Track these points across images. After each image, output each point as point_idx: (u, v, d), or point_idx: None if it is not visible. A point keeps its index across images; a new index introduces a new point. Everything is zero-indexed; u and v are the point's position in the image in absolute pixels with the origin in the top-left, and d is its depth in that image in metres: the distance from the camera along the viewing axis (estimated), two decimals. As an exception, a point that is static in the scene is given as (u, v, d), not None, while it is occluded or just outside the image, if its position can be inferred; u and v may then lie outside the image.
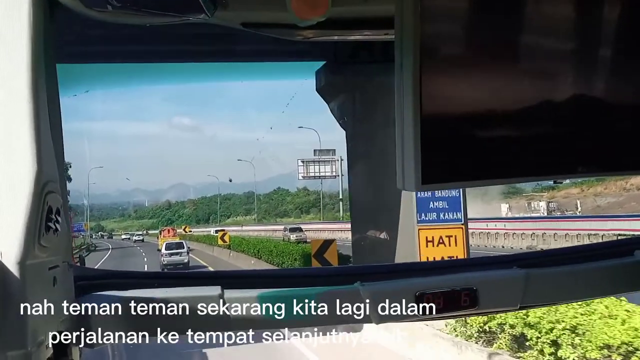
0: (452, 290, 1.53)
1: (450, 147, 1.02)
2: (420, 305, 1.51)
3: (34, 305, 1.05)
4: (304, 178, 66.62)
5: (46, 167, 1.07)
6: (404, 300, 1.51)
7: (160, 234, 57.68)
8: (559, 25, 1.09)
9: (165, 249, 35.13)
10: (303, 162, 64.42)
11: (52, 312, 1.16)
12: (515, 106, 1.06)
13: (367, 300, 1.50)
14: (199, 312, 1.44)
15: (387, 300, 1.52)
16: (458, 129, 1.02)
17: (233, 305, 1.46)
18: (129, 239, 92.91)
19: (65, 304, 1.27)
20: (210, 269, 34.03)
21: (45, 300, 1.11)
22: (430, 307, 1.51)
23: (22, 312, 1.02)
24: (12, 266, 0.99)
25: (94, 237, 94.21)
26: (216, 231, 63.77)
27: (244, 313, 1.47)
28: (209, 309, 1.44)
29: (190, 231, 70.13)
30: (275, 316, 1.48)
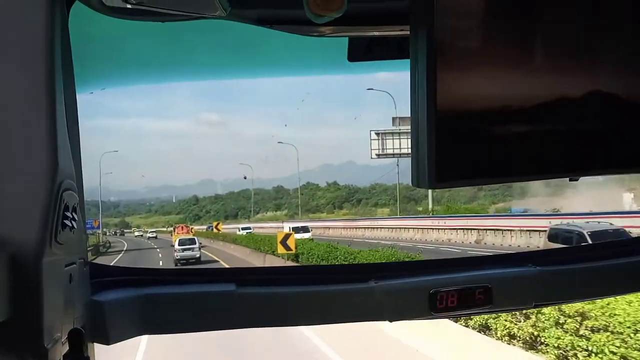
0: (466, 288, 1.55)
1: (466, 145, 1.02)
2: (434, 304, 1.54)
3: (50, 302, 1.11)
4: (379, 156, 52.42)
5: (62, 165, 1.12)
6: (417, 298, 1.55)
7: (174, 230, 62.24)
8: (576, 18, 1.08)
9: (179, 245, 38.87)
10: (378, 134, 50.46)
11: (68, 309, 1.23)
12: (533, 102, 1.05)
13: (381, 298, 1.54)
14: (213, 308, 1.50)
15: (400, 298, 1.56)
16: (474, 125, 1.02)
17: (248, 302, 1.52)
18: (141, 236, 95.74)
19: (81, 301, 1.34)
20: (223, 263, 36.23)
21: (61, 297, 1.18)
22: (444, 305, 1.54)
23: (38, 309, 1.07)
24: (29, 263, 1.04)
25: (107, 234, 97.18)
26: (244, 229, 63.62)
27: (259, 310, 1.53)
28: (224, 305, 1.51)
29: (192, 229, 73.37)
30: (291, 313, 1.54)
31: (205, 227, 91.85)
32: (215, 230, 67.46)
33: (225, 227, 76.98)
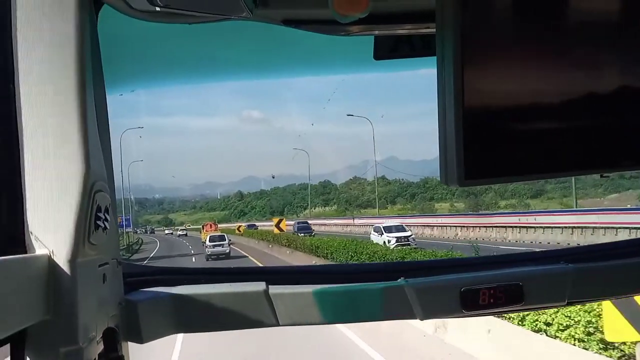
0: (498, 286, 1.61)
1: (494, 142, 1.05)
2: (465, 301, 1.60)
3: (85, 302, 1.20)
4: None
5: (94, 166, 1.21)
6: (448, 296, 1.61)
7: (203, 228, 66.00)
8: (604, 13, 1.09)
9: (209, 241, 43.61)
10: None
11: (103, 308, 1.33)
12: (561, 98, 1.07)
13: (412, 296, 1.60)
14: (244, 307, 1.59)
15: (431, 296, 1.62)
16: (502, 122, 1.05)
17: (278, 301, 1.60)
18: (171, 233, 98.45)
19: (114, 300, 1.45)
20: (252, 259, 37.18)
21: (95, 297, 1.28)
22: (476, 303, 1.60)
23: (73, 309, 1.16)
24: (63, 264, 1.14)
25: (138, 231, 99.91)
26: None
27: (290, 309, 1.61)
28: (255, 304, 1.59)
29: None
30: (321, 312, 1.61)
31: (246, 224, 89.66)
32: (237, 231, 64.94)
33: (266, 225, 73.40)
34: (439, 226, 54.22)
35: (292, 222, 70.61)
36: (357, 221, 71.00)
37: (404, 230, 41.64)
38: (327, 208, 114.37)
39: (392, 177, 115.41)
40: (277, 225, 48.87)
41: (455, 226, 51.18)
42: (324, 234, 52.63)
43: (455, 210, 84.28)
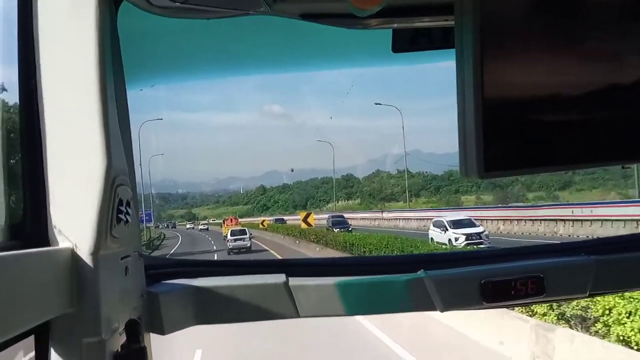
0: (518, 278, 1.62)
1: (513, 134, 1.06)
2: (486, 293, 1.62)
3: (107, 294, 1.24)
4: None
5: (115, 161, 1.24)
6: (469, 288, 1.63)
7: (224, 222, 67.43)
8: (624, 4, 1.08)
9: (231, 235, 45.27)
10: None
11: (125, 300, 1.37)
12: (580, 90, 1.07)
13: (432, 288, 1.62)
14: (264, 299, 1.62)
15: (451, 288, 1.64)
16: (521, 114, 1.05)
17: (298, 293, 1.63)
18: (193, 228, 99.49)
19: (136, 292, 1.48)
20: (273, 253, 37.18)
21: (118, 289, 1.32)
22: (496, 295, 1.62)
23: (96, 301, 1.20)
24: (86, 257, 1.18)
25: (160, 226, 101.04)
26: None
27: (309, 300, 1.64)
28: (275, 296, 1.62)
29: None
30: (341, 303, 1.64)
31: (273, 218, 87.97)
32: (261, 226, 63.22)
33: (295, 219, 69.21)
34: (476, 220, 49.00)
35: (326, 216, 67.68)
36: (385, 215, 68.46)
37: (474, 226, 34.61)
38: (350, 201, 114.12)
39: (415, 170, 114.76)
40: (305, 220, 44.94)
41: (497, 219, 46.67)
42: (359, 227, 51.21)
43: (481, 202, 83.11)
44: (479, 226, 34.75)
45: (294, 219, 68.22)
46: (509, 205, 59.47)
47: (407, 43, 1.62)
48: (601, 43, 1.08)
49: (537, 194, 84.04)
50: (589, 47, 1.08)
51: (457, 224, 34.35)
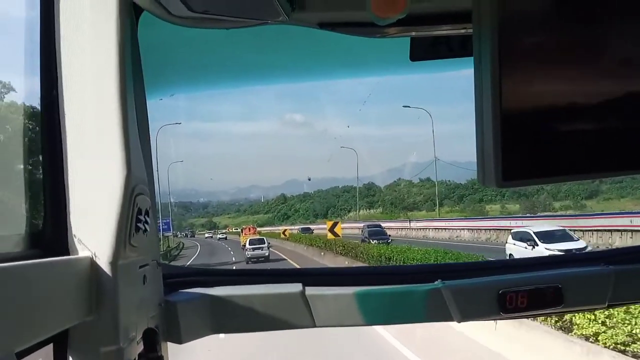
0: (536, 289, 1.63)
1: (532, 143, 1.05)
2: (503, 304, 1.62)
3: (125, 303, 1.25)
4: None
5: (135, 170, 1.26)
6: (486, 299, 1.63)
7: (242, 232, 65.98)
8: None
9: (249, 244, 45.14)
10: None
11: (143, 309, 1.38)
12: (599, 98, 1.06)
13: (449, 298, 1.62)
14: (281, 308, 1.63)
15: (469, 299, 1.64)
16: (540, 123, 1.05)
17: (314, 302, 1.64)
18: (211, 237, 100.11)
19: (154, 301, 1.50)
20: (291, 262, 36.71)
21: (136, 298, 1.33)
22: (514, 306, 1.62)
23: (114, 310, 1.22)
24: (105, 265, 1.20)
25: (179, 235, 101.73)
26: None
27: (326, 310, 1.64)
28: (291, 305, 1.63)
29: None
30: (357, 313, 1.64)
31: (297, 227, 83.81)
32: (282, 235, 60.42)
33: (319, 228, 66.25)
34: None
35: (355, 226, 64.83)
36: (413, 224, 64.96)
37: (572, 239, 26.81)
38: (371, 210, 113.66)
39: (437, 179, 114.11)
40: (332, 230, 39.67)
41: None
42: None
43: (507, 212, 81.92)
44: (577, 240, 27.32)
45: (321, 227, 63.47)
46: (558, 214, 55.62)
47: (425, 51, 1.63)
48: (621, 51, 1.07)
49: (564, 203, 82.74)
50: (609, 56, 1.07)
51: (548, 237, 26.54)
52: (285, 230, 66.45)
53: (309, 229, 74.55)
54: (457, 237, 48.92)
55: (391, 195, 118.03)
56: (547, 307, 1.64)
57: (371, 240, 40.47)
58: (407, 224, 66.17)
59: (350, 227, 64.37)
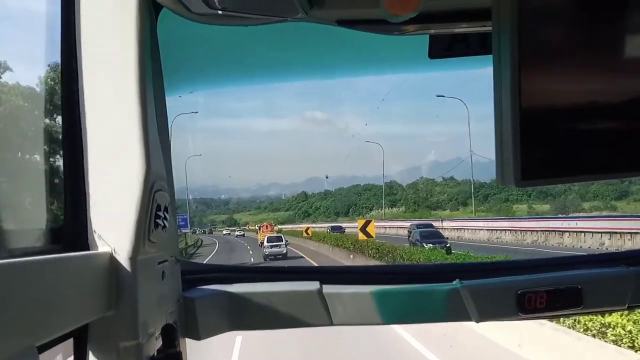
0: (555, 290, 1.63)
1: (551, 142, 1.05)
2: (522, 304, 1.62)
3: (144, 298, 1.27)
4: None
5: (154, 166, 1.28)
6: (505, 299, 1.63)
7: (260, 229, 66.07)
8: None
9: (267, 242, 45.53)
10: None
11: (161, 305, 1.40)
12: (619, 97, 1.05)
13: (467, 298, 1.63)
14: (299, 306, 1.65)
15: (487, 299, 1.64)
16: (560, 121, 1.04)
17: (332, 300, 1.65)
18: (229, 234, 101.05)
19: (173, 297, 1.52)
20: (309, 260, 36.36)
21: (155, 294, 1.35)
22: (532, 306, 1.62)
23: (134, 305, 1.24)
24: (124, 261, 1.22)
25: (197, 232, 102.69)
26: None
27: (343, 308, 1.65)
28: (309, 303, 1.65)
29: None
30: (375, 312, 1.65)
31: (326, 225, 77.04)
32: (304, 234, 55.56)
33: (350, 226, 62.16)
34: (564, 232, 39.59)
35: (386, 224, 61.74)
36: (446, 224, 59.52)
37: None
38: (394, 209, 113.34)
39: (460, 178, 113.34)
40: (364, 229, 32.70)
41: (593, 232, 36.84)
42: (404, 238, 44.00)
43: (534, 212, 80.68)
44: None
45: (352, 226, 58.27)
46: (604, 215, 48.14)
47: (443, 49, 1.63)
48: None
49: (593, 204, 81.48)
50: (630, 54, 1.06)
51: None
52: (308, 228, 61.26)
53: (340, 227, 68.01)
54: (497, 238, 45.26)
55: (414, 193, 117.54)
56: (567, 308, 1.64)
57: (424, 244, 33.56)
58: (438, 225, 58.04)
59: (402, 227, 59.49)
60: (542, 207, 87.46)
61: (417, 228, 44.00)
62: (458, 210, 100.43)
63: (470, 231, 52.61)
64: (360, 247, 33.35)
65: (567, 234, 38.92)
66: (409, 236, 41.90)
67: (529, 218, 54.27)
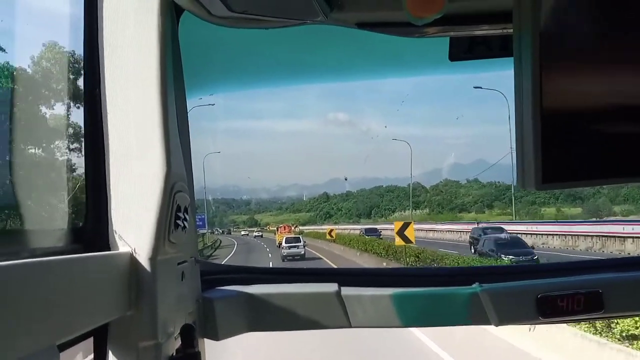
0: (576, 293, 1.62)
1: (573, 144, 1.05)
2: (542, 308, 1.62)
3: (164, 298, 1.30)
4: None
5: (175, 167, 1.31)
6: (524, 303, 1.63)
7: (277, 230, 66.84)
8: None
9: (285, 243, 46.12)
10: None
11: (181, 305, 1.43)
12: None
13: (486, 301, 1.63)
14: (317, 308, 1.66)
15: (507, 302, 1.64)
16: (581, 124, 1.04)
17: (350, 302, 1.66)
18: (247, 234, 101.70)
19: (192, 297, 1.54)
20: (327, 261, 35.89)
21: (174, 294, 1.38)
22: (552, 310, 1.62)
23: (153, 305, 1.26)
24: (145, 261, 1.25)
25: (215, 232, 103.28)
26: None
27: (361, 310, 1.66)
28: (327, 305, 1.66)
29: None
30: (393, 315, 1.66)
31: (360, 228, 70.20)
32: (328, 236, 51.44)
33: (385, 228, 58.90)
34: (626, 237, 34.46)
35: (454, 227, 55.13)
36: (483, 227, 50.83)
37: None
38: (417, 211, 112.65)
39: (485, 180, 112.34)
40: (401, 233, 27.12)
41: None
42: (438, 242, 42.80)
43: (562, 216, 79.31)
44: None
45: (388, 228, 53.29)
46: None
47: (464, 51, 1.63)
48: None
49: (625, 208, 79.97)
50: None
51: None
52: (332, 229, 56.77)
53: (375, 230, 59.86)
54: (543, 244, 40.59)
55: (438, 195, 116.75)
56: (587, 312, 1.64)
57: (502, 256, 25.99)
58: (474, 227, 51.83)
59: (462, 230, 53.97)
60: (571, 210, 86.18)
61: (486, 234, 35.65)
62: (484, 212, 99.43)
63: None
64: (394, 253, 29.61)
65: (629, 240, 34.03)
66: (474, 244, 34.80)
67: (582, 222, 48.43)
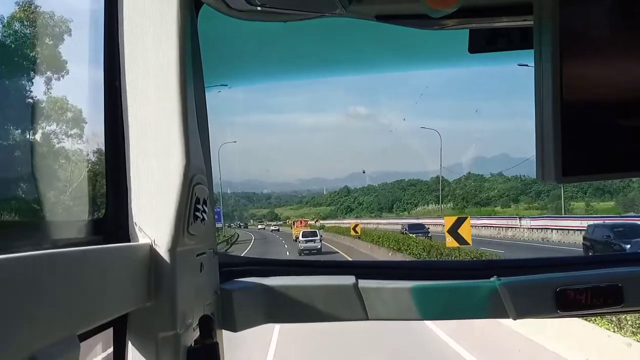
0: (595, 287, 1.62)
1: (593, 137, 1.05)
2: (561, 302, 1.63)
3: (183, 290, 1.33)
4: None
5: (194, 160, 1.33)
6: (543, 296, 1.64)
7: (294, 224, 68.50)
8: None
9: (302, 237, 47.38)
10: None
11: (199, 296, 1.46)
12: None
13: (505, 295, 1.64)
14: (334, 300, 1.69)
15: (525, 296, 1.65)
16: (602, 117, 1.04)
17: (367, 295, 1.68)
18: (264, 228, 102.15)
19: (210, 289, 1.57)
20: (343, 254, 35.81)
21: (193, 285, 1.41)
22: (571, 304, 1.62)
23: (172, 296, 1.29)
24: (164, 253, 1.28)
25: (232, 226, 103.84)
26: None
27: (379, 303, 1.68)
28: (344, 297, 1.68)
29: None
30: (411, 307, 1.68)
31: (401, 222, 60.36)
32: (352, 232, 46.63)
33: (434, 223, 52.75)
34: None
35: (508, 223, 48.29)
36: (525, 223, 48.35)
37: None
38: (439, 206, 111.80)
39: (510, 174, 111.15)
40: (454, 231, 22.48)
41: None
42: (475, 239, 30.06)
43: (593, 211, 77.65)
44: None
45: (435, 223, 48.04)
46: None
47: (483, 44, 1.63)
48: None
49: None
50: None
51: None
52: (357, 225, 50.81)
53: (422, 226, 49.51)
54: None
55: (461, 189, 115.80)
56: (607, 306, 1.64)
57: None
58: (514, 223, 49.89)
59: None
60: (600, 204, 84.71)
61: (606, 228, 28.46)
62: (510, 207, 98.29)
63: (560, 232, 42.17)
64: (439, 255, 24.24)
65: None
66: (588, 245, 28.32)
67: (635, 216, 43.01)
